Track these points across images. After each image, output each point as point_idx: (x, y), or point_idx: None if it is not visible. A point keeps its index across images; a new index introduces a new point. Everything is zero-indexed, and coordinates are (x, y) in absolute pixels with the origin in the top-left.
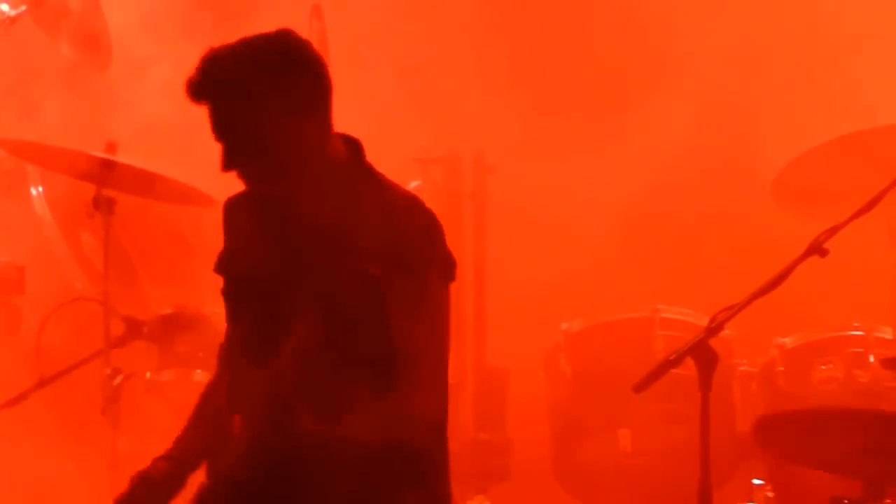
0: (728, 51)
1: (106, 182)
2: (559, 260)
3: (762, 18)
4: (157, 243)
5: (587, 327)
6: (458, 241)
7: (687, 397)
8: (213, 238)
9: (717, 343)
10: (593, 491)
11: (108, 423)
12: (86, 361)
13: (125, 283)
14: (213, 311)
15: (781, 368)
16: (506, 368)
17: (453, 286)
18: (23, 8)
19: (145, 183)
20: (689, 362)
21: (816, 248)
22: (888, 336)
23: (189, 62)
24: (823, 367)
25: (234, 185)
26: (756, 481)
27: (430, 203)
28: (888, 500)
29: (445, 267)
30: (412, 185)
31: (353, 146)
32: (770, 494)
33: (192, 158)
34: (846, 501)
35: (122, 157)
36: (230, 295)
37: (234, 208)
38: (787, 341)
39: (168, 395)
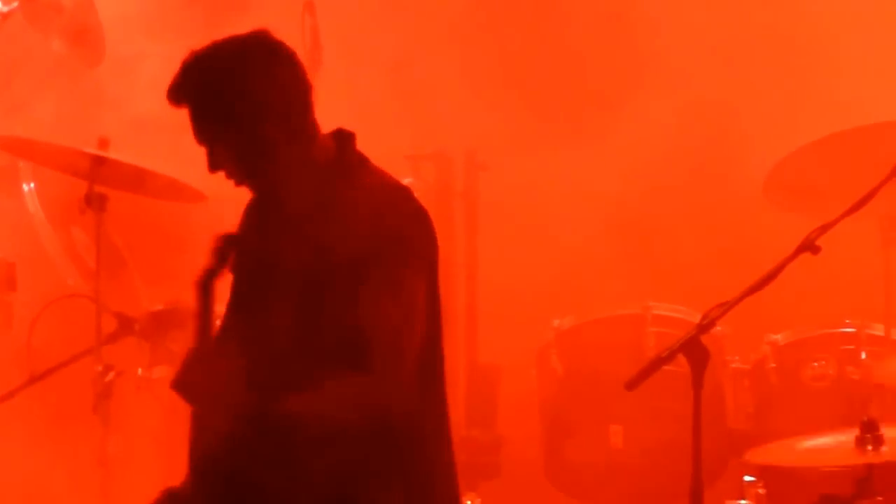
0: (719, 48)
1: (98, 178)
2: (551, 257)
3: (751, 15)
4: (149, 240)
5: (579, 324)
6: (450, 239)
7: (679, 394)
8: (205, 234)
9: (708, 340)
10: (584, 488)
11: (99, 420)
12: (77, 358)
13: (117, 280)
14: None
15: (773, 365)
16: (497, 365)
17: (444, 283)
18: (15, 4)
19: (137, 179)
20: (681, 359)
21: (808, 246)
22: (880, 333)
23: (181, 59)
24: (815, 364)
25: (225, 182)
26: (748, 478)
27: (422, 201)
28: (879, 498)
29: (425, 256)
30: (403, 183)
31: (343, 140)
32: (761, 491)
33: (184, 155)
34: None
35: (114, 154)
36: (231, 290)
37: (247, 206)
38: (779, 338)
39: (159, 392)
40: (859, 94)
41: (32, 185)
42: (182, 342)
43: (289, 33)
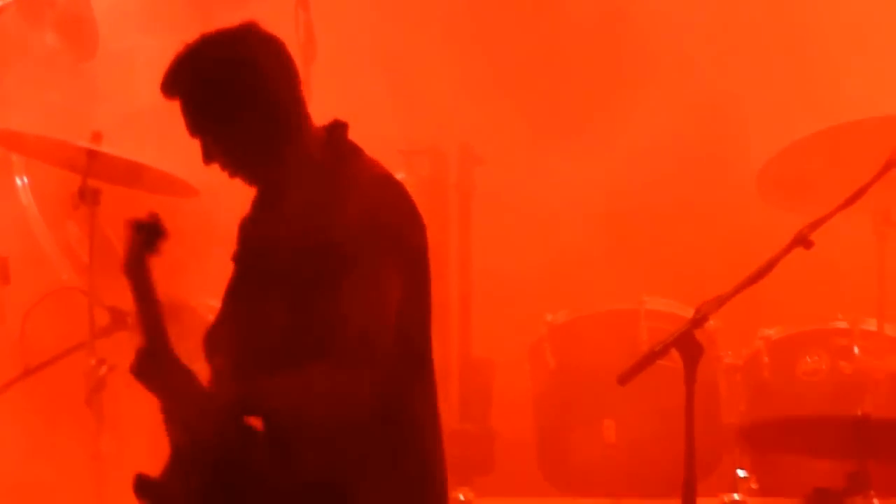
0: (713, 43)
1: (91, 172)
2: (544, 251)
3: (744, 11)
4: None
5: (572, 319)
6: (443, 233)
7: (671, 389)
8: (198, 229)
9: (702, 335)
10: (578, 482)
11: (92, 414)
12: (70, 352)
13: (110, 274)
14: (199, 302)
15: (766, 360)
16: (490, 360)
17: (437, 277)
18: None
19: (131, 173)
20: (674, 354)
21: (801, 240)
22: (873, 328)
23: (175, 52)
24: (808, 358)
25: (219, 176)
26: (740, 472)
27: (416, 195)
28: (871, 492)
29: (410, 249)
30: (397, 177)
31: (335, 131)
32: (754, 486)
33: (177, 149)
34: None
35: (107, 148)
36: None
37: (254, 198)
38: (772, 333)
39: None
40: (853, 90)
41: (25, 178)
42: (175, 336)
43: (282, 27)
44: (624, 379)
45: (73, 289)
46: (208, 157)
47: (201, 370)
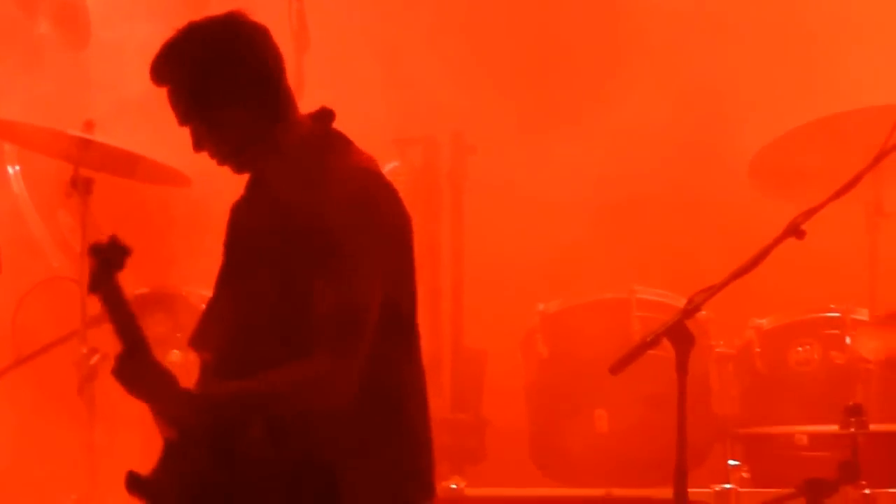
0: (706, 32)
1: (83, 161)
2: (536, 241)
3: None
4: (135, 223)
5: (564, 308)
6: (436, 222)
7: (663, 378)
8: (190, 218)
9: (693, 324)
10: (569, 471)
11: (83, 402)
12: (62, 340)
13: None
14: (190, 291)
15: (758, 350)
16: (483, 349)
17: (429, 267)
18: None
19: (123, 162)
20: (666, 343)
21: (794, 230)
22: (864, 318)
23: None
24: (800, 348)
25: (211, 165)
26: (732, 462)
27: (409, 184)
28: (863, 482)
29: (392, 238)
30: (390, 166)
31: (321, 119)
32: (746, 476)
33: (170, 138)
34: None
35: (99, 137)
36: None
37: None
38: (764, 323)
39: None
40: (846, 79)
41: (17, 167)
42: (167, 326)
43: (276, 16)
44: (616, 368)
45: (65, 278)
46: (198, 145)
47: (195, 360)
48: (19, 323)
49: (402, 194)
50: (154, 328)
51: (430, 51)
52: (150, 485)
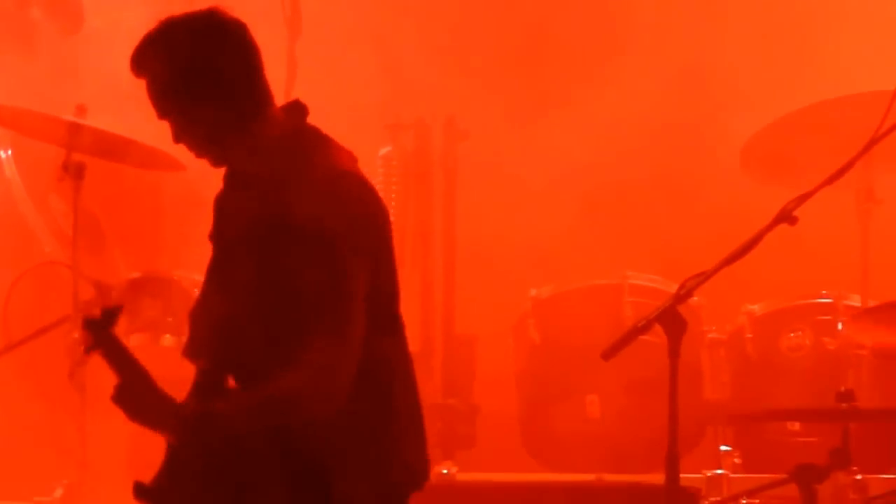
0: (698, 18)
1: (75, 146)
2: (528, 227)
3: None
4: (127, 208)
5: (556, 294)
6: (428, 208)
7: (655, 364)
8: (182, 204)
9: (685, 310)
10: (561, 457)
11: (74, 388)
12: (54, 325)
13: (94, 248)
14: (182, 275)
15: (750, 336)
16: (474, 335)
17: (421, 252)
18: None
19: (115, 147)
20: (658, 329)
21: (786, 216)
22: (856, 303)
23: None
24: (792, 334)
25: None
26: (723, 448)
27: (401, 169)
28: (854, 468)
29: (368, 240)
30: (383, 151)
31: (294, 113)
32: (737, 461)
33: (162, 123)
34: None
35: (91, 121)
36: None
37: None
38: (756, 308)
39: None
40: (838, 66)
41: (9, 152)
42: (159, 310)
43: (269, 2)
44: (608, 354)
45: (57, 263)
46: (177, 138)
47: (177, 341)
48: (10, 308)
49: (394, 179)
50: (146, 313)
51: (422, 36)
52: (156, 491)
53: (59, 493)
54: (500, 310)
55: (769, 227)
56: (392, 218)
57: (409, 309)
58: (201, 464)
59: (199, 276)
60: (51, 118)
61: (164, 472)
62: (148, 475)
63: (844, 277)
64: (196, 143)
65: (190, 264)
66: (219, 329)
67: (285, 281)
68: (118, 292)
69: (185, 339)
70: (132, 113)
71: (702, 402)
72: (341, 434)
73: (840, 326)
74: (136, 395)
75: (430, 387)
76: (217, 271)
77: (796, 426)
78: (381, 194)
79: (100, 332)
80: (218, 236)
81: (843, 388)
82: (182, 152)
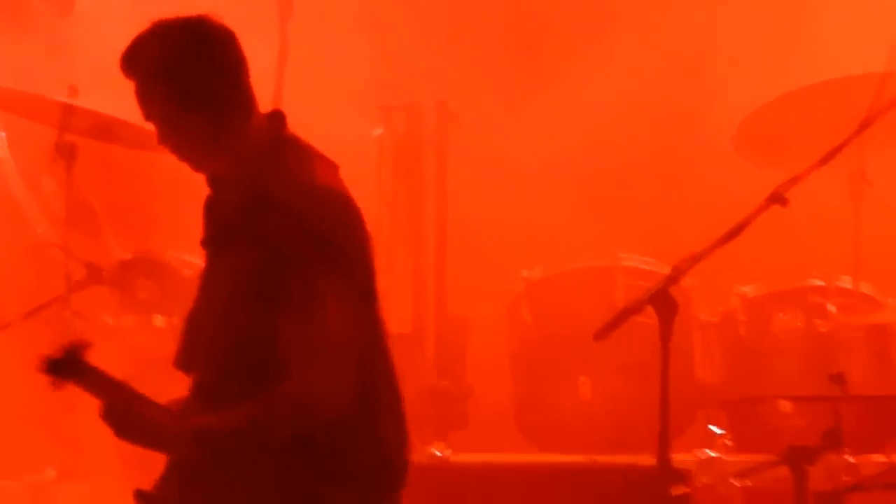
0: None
1: (68, 127)
2: (521, 208)
3: None
4: (119, 189)
5: (548, 275)
6: (420, 190)
7: (647, 346)
8: (174, 185)
9: (677, 292)
10: (553, 438)
11: None
12: (46, 306)
13: (86, 229)
14: (174, 257)
15: (742, 318)
16: (466, 316)
17: (413, 234)
18: None
19: (107, 128)
20: (650, 311)
21: (777, 198)
22: (848, 286)
23: (153, 6)
24: (783, 316)
25: None
26: (715, 429)
27: (393, 151)
28: (846, 449)
29: (342, 256)
30: (375, 133)
31: (274, 123)
32: (729, 442)
33: None
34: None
35: (83, 102)
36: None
37: None
38: (748, 290)
39: (128, 341)
40: (831, 48)
41: (2, 133)
42: (151, 291)
43: None
44: (600, 335)
45: (49, 244)
46: (161, 140)
47: (169, 322)
48: (3, 289)
49: (386, 161)
50: (138, 294)
51: (414, 18)
52: (157, 499)
53: (50, 473)
54: (492, 291)
55: (761, 209)
56: (384, 199)
57: (402, 291)
58: (202, 470)
59: (192, 258)
60: (43, 99)
61: (165, 479)
62: (139, 458)
63: (836, 260)
64: (178, 148)
65: (182, 245)
66: (208, 341)
67: (267, 291)
68: (110, 273)
69: (176, 319)
70: (124, 94)
71: (693, 383)
72: (324, 437)
73: (832, 308)
74: (123, 417)
75: (422, 368)
76: (208, 279)
77: (788, 407)
78: (373, 176)
79: (68, 369)
80: (208, 242)
81: (835, 370)
82: None
